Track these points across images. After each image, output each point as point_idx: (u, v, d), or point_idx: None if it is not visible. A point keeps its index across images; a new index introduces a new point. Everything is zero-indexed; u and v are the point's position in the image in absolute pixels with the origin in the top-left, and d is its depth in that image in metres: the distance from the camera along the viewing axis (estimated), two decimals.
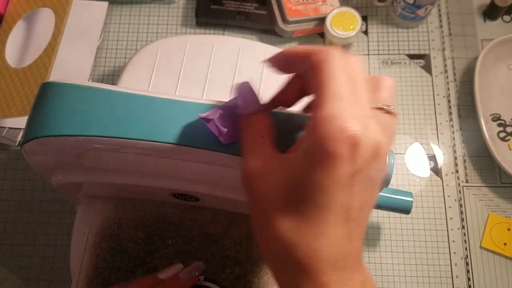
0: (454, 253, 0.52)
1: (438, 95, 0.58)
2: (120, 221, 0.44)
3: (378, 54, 0.60)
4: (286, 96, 0.30)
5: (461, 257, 0.51)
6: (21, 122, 0.55)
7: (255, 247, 0.44)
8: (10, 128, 0.55)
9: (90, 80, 0.59)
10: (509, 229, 0.52)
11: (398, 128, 0.57)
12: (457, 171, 0.55)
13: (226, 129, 0.31)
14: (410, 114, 0.57)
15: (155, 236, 0.44)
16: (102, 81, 0.60)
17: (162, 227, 0.44)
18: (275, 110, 0.31)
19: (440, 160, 0.55)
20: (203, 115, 0.31)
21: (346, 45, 0.58)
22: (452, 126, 0.57)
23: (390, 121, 0.26)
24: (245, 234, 0.44)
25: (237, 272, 0.43)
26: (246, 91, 0.32)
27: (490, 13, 0.61)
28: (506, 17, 0.62)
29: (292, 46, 0.29)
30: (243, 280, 0.42)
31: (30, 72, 0.53)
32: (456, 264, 0.51)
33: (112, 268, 0.42)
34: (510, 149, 0.55)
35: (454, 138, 0.56)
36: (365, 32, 0.62)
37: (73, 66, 0.57)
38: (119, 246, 0.43)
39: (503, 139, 0.55)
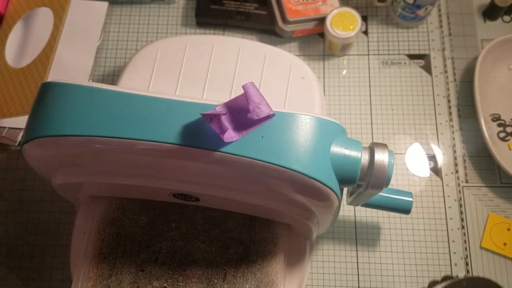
0: (454, 253, 0.52)
1: (438, 95, 0.58)
2: (124, 207, 0.45)
3: (378, 54, 0.60)
4: None
5: (461, 257, 0.51)
6: (21, 122, 0.55)
7: (258, 227, 0.44)
8: (10, 128, 0.55)
9: (90, 80, 0.59)
10: (509, 229, 0.52)
11: (398, 128, 0.57)
12: (457, 171, 0.55)
13: (228, 127, 0.31)
14: (410, 114, 0.57)
15: (158, 220, 0.44)
16: (102, 81, 0.60)
17: (165, 211, 0.45)
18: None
19: (440, 160, 0.55)
20: (205, 113, 0.31)
21: (346, 45, 0.58)
22: (452, 126, 0.57)
23: None
24: (247, 215, 0.44)
25: (240, 253, 0.43)
26: (255, 93, 0.32)
27: (490, 13, 0.61)
28: (506, 17, 0.62)
29: None
30: (247, 260, 0.43)
31: (29, 72, 0.53)
32: (456, 264, 0.51)
33: (117, 253, 0.43)
34: (510, 149, 0.55)
35: (454, 138, 0.56)
36: (365, 32, 0.62)
37: (73, 66, 0.57)
38: (124, 231, 0.44)
39: (503, 139, 0.55)
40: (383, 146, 0.35)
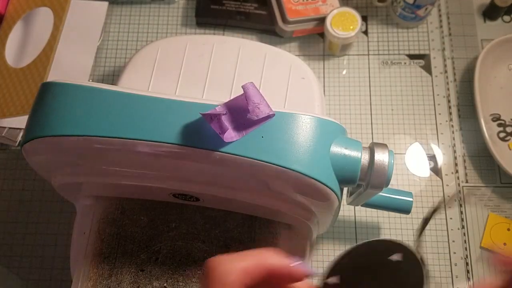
0: (454, 253, 0.52)
1: (438, 95, 0.58)
2: (124, 207, 0.45)
3: (378, 54, 0.60)
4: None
5: (461, 257, 0.51)
6: (21, 122, 0.55)
7: (257, 227, 0.44)
8: (10, 128, 0.55)
9: (90, 80, 0.59)
10: (509, 229, 0.52)
11: (398, 128, 0.57)
12: (457, 171, 0.55)
13: (228, 127, 0.31)
14: (410, 114, 0.57)
15: (158, 220, 0.44)
16: (102, 81, 0.60)
17: (165, 211, 0.45)
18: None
19: (440, 160, 0.55)
20: (205, 113, 0.31)
21: (346, 45, 0.58)
22: (452, 126, 0.57)
23: None
24: (247, 215, 0.44)
25: None
26: (254, 93, 0.32)
27: (490, 13, 0.61)
28: (506, 17, 0.62)
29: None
30: None
31: (29, 71, 0.53)
32: (456, 264, 0.51)
33: (117, 253, 0.43)
34: (510, 149, 0.55)
35: (454, 138, 0.56)
36: (365, 32, 0.62)
37: (73, 66, 0.57)
38: (124, 231, 0.44)
39: (503, 139, 0.55)
40: (383, 146, 0.35)
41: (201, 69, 0.47)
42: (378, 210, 0.53)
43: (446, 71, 0.59)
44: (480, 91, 0.55)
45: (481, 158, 0.55)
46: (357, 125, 0.57)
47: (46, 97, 0.34)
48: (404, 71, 0.59)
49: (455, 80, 0.59)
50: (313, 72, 0.49)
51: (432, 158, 0.56)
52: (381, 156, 0.34)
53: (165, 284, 0.42)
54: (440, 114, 0.57)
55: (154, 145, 0.32)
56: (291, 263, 0.29)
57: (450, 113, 0.57)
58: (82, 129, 0.32)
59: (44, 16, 0.58)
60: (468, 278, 0.51)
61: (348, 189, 0.42)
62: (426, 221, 0.38)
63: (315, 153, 0.33)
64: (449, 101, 0.58)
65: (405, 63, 0.60)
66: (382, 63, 0.60)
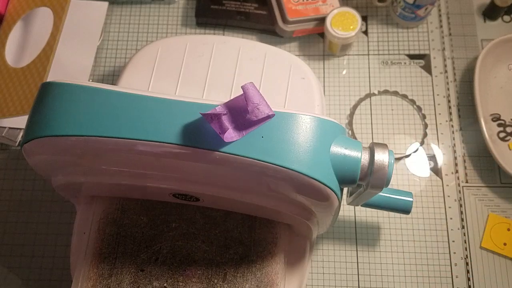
0: (454, 253, 0.52)
1: (438, 95, 0.58)
2: (124, 207, 0.45)
3: (378, 54, 0.60)
4: None
5: (461, 257, 0.51)
6: (21, 122, 0.55)
7: (257, 227, 0.44)
8: (10, 128, 0.55)
9: (90, 80, 0.59)
10: (509, 229, 0.52)
11: (398, 128, 0.57)
12: (457, 171, 0.55)
13: (228, 127, 0.31)
14: (410, 114, 0.57)
15: (158, 220, 0.44)
16: (102, 81, 0.60)
17: (165, 211, 0.45)
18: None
19: (440, 160, 0.55)
20: (206, 113, 0.31)
21: (346, 45, 0.58)
22: (452, 126, 0.57)
23: None
24: (247, 215, 0.44)
25: (240, 253, 0.43)
26: (254, 93, 0.32)
27: (490, 13, 0.61)
28: (506, 17, 0.62)
29: None
30: (247, 260, 0.43)
31: (29, 71, 0.53)
32: (456, 264, 0.51)
33: (117, 253, 0.43)
34: (510, 149, 0.55)
35: (454, 138, 0.56)
36: (365, 32, 0.62)
37: (73, 66, 0.57)
38: (123, 231, 0.44)
39: (503, 139, 0.55)
40: (383, 146, 0.35)
41: (201, 69, 0.47)
42: (378, 210, 0.53)
43: (446, 71, 0.59)
44: (480, 91, 0.55)
45: (481, 158, 0.55)
46: (357, 125, 0.57)
47: (46, 97, 0.34)
48: (404, 71, 0.59)
49: (455, 80, 0.59)
50: (313, 72, 0.49)
51: (432, 158, 0.56)
52: (381, 156, 0.34)
53: (165, 284, 0.42)
54: (440, 114, 0.57)
55: (154, 145, 0.32)
56: None
57: (450, 113, 0.57)
58: (82, 129, 0.33)
59: (44, 16, 0.58)
60: (468, 278, 0.51)
61: (348, 189, 0.42)
62: None
63: (315, 153, 0.33)
64: (449, 101, 0.58)
65: (405, 63, 0.60)
66: (382, 63, 0.60)
